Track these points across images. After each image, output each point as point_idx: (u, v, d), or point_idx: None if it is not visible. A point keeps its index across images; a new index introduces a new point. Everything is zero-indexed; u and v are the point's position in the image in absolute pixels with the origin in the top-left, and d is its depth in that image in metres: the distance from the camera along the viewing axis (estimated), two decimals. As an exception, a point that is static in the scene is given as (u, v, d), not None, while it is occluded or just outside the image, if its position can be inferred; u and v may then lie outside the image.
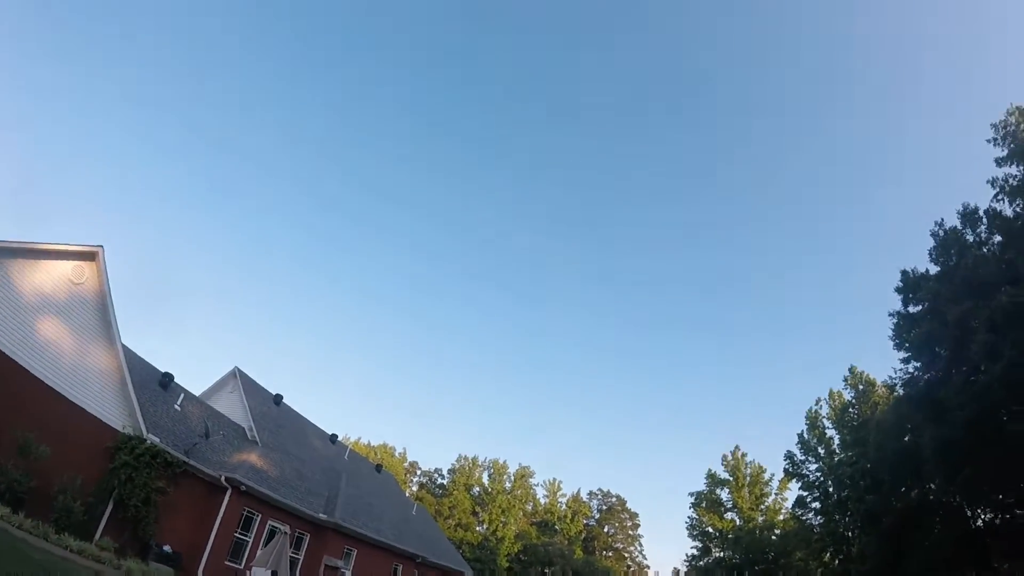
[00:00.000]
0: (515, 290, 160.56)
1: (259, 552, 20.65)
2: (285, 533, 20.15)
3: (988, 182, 24.01)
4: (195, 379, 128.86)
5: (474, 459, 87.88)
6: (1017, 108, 23.78)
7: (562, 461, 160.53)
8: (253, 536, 21.70)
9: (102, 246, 18.17)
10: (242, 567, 20.75)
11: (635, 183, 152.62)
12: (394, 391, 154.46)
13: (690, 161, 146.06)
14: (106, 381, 18.12)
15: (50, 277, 16.89)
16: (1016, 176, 23.36)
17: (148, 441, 18.22)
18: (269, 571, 18.29)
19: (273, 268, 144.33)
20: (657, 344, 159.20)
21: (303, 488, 25.80)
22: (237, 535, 21.15)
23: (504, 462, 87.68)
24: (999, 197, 23.69)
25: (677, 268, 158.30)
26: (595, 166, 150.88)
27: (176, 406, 22.46)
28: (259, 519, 22.05)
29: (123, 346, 18.63)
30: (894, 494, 28.67)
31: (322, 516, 24.98)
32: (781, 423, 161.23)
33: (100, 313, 18.16)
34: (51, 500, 15.41)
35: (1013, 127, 23.47)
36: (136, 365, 20.28)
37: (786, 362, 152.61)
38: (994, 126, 23.97)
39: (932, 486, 25.92)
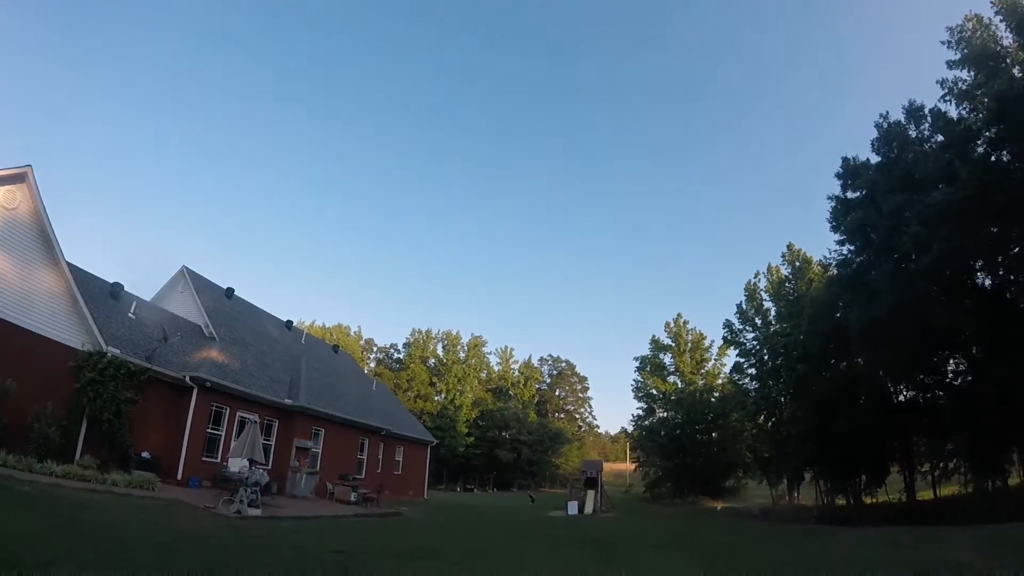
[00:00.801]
0: (464, 158, 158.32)
1: (233, 443, 21.60)
2: (255, 422, 21.01)
3: (938, 82, 24.30)
4: (143, 284, 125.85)
5: (428, 332, 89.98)
6: (976, 15, 23.72)
7: (513, 329, 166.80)
8: (224, 429, 22.57)
9: (30, 166, 17.32)
10: (219, 460, 21.73)
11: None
12: (344, 271, 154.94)
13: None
14: (57, 302, 17.89)
15: None
16: (966, 81, 23.64)
17: (109, 354, 18.30)
18: (245, 459, 19.20)
19: (205, 160, 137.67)
20: (606, 213, 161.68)
21: (266, 377, 26.50)
22: (209, 431, 21.97)
23: (457, 333, 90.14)
24: (947, 98, 24.08)
25: (632, 138, 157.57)
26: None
27: (130, 314, 22.30)
28: (228, 412, 22.84)
29: (68, 263, 18.21)
30: (824, 366, 30.91)
31: (287, 401, 25.91)
32: (721, 294, 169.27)
33: (39, 234, 17.62)
34: (27, 431, 15.63)
35: (969, 33, 23.46)
36: (83, 280, 19.91)
37: (728, 235, 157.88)
38: (950, 30, 23.89)
39: (859, 361, 27.99)
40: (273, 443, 25.21)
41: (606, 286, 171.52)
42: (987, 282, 25.16)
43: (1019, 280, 23.21)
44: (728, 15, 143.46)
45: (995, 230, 20.63)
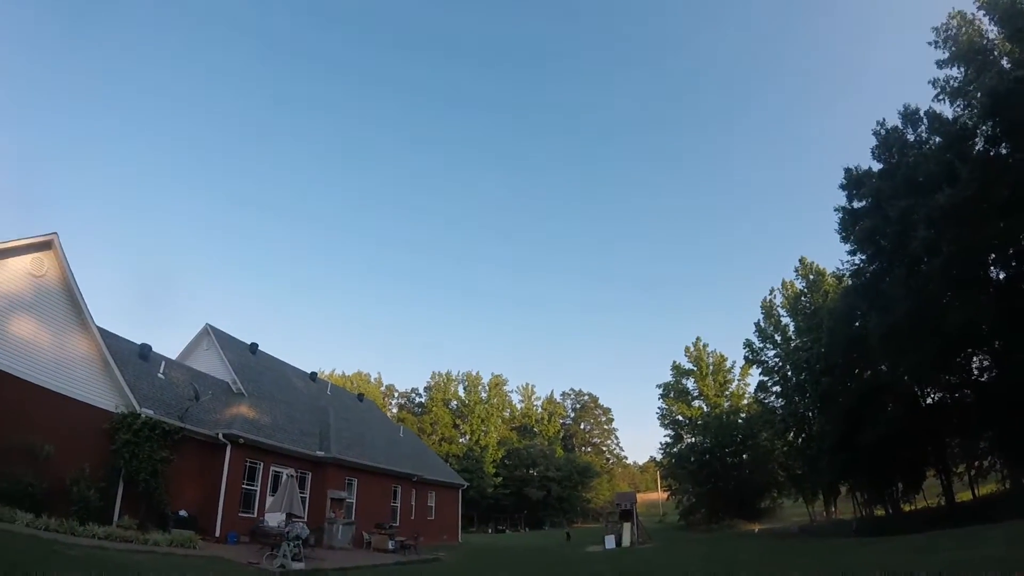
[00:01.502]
0: (475, 196, 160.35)
1: (269, 499, 21.87)
2: (292, 476, 21.30)
3: (929, 83, 24.88)
4: (167, 343, 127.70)
5: (448, 374, 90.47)
6: (959, 12, 24.31)
7: (533, 366, 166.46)
8: (259, 484, 22.82)
9: (56, 233, 17.83)
10: (255, 515, 21.97)
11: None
12: (360, 316, 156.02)
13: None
14: (89, 366, 18.31)
15: (10, 276, 16.65)
16: (956, 78, 24.16)
17: (143, 415, 18.62)
18: (283, 513, 19.43)
19: (217, 220, 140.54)
20: (617, 244, 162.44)
21: (296, 430, 26.82)
22: (244, 486, 22.22)
23: (477, 373, 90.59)
24: (940, 97, 24.60)
25: (647, 170, 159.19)
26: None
27: (160, 375, 22.79)
28: (262, 467, 23.11)
29: (97, 328, 18.67)
30: (848, 376, 30.81)
31: (319, 453, 26.15)
32: (738, 314, 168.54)
33: (68, 300, 18.07)
34: (66, 494, 15.91)
35: (954, 31, 24.03)
36: (112, 342, 20.30)
37: (743, 256, 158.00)
38: (935, 29, 24.53)
39: (883, 368, 27.93)
40: (307, 494, 25.38)
41: (624, 315, 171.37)
42: (1001, 275, 25.23)
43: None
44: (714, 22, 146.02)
45: (1002, 224, 20.78)
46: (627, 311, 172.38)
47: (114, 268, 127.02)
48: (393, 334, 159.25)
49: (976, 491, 30.59)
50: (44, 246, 17.63)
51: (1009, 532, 14.17)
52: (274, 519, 20.17)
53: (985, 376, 26.66)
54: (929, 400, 30.31)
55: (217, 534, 19.97)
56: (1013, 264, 23.81)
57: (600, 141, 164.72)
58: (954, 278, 21.67)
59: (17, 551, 10.54)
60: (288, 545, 16.40)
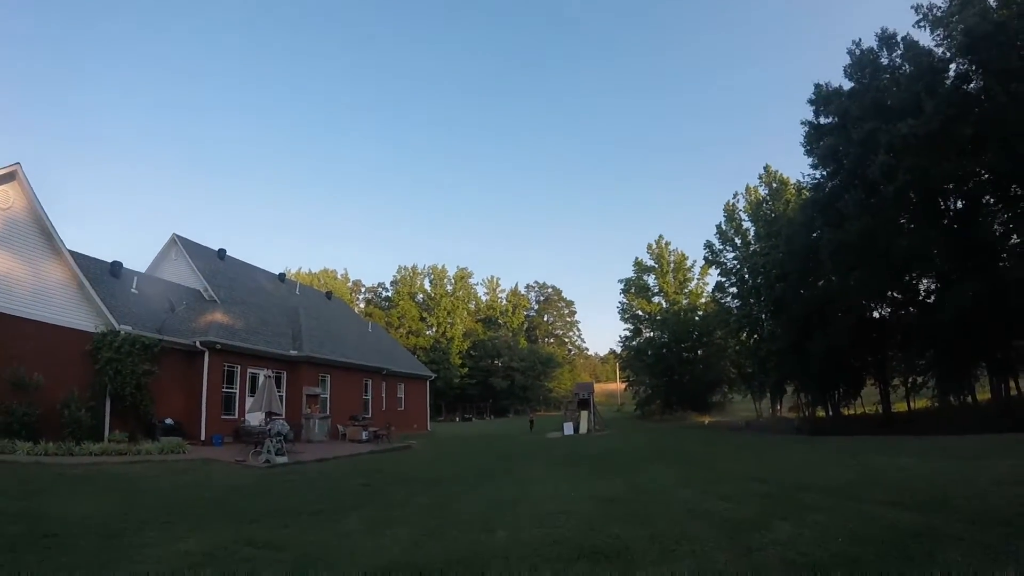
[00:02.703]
0: (441, 81, 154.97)
1: (249, 400, 22.90)
2: (268, 376, 22.19)
3: (912, 8, 24.52)
4: (134, 256, 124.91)
5: (414, 268, 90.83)
6: None
7: (499, 259, 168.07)
8: (238, 387, 23.81)
9: (19, 163, 17.65)
10: (237, 416, 23.07)
11: None
12: (325, 213, 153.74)
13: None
14: (65, 290, 18.59)
15: None
16: (940, 7, 23.90)
17: (122, 332, 19.14)
18: (263, 412, 20.50)
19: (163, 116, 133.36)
20: (586, 133, 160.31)
21: (269, 332, 27.53)
22: (224, 390, 23.17)
23: (443, 267, 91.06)
24: (921, 24, 24.39)
25: (609, 55, 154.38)
26: None
27: (133, 290, 23.10)
28: (239, 370, 24.00)
29: (69, 251, 18.77)
30: (801, 284, 32.11)
31: (293, 352, 27.08)
32: (701, 216, 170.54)
33: (38, 228, 18.11)
34: (58, 418, 16.66)
35: None
36: (84, 264, 20.40)
37: (708, 157, 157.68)
38: None
39: (833, 279, 29.27)
40: (284, 393, 26.48)
41: (589, 209, 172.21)
42: (959, 204, 26.18)
43: (988, 206, 24.22)
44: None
45: (960, 161, 21.46)
46: (592, 205, 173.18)
47: (74, 185, 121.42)
48: (358, 229, 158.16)
49: (911, 404, 32.83)
50: (7, 178, 17.46)
51: (926, 445, 16.07)
52: (255, 419, 21.25)
53: (932, 298, 28.02)
54: (876, 314, 31.91)
55: (203, 438, 21.08)
56: (965, 200, 24.71)
57: (567, 46, 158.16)
58: (908, 205, 22.59)
59: (26, 478, 11.37)
60: (271, 442, 17.44)
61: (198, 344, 22.03)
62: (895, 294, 29.18)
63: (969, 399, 28.39)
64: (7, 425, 15.25)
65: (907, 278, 27.08)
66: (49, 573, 5.34)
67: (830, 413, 36.67)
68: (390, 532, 7.61)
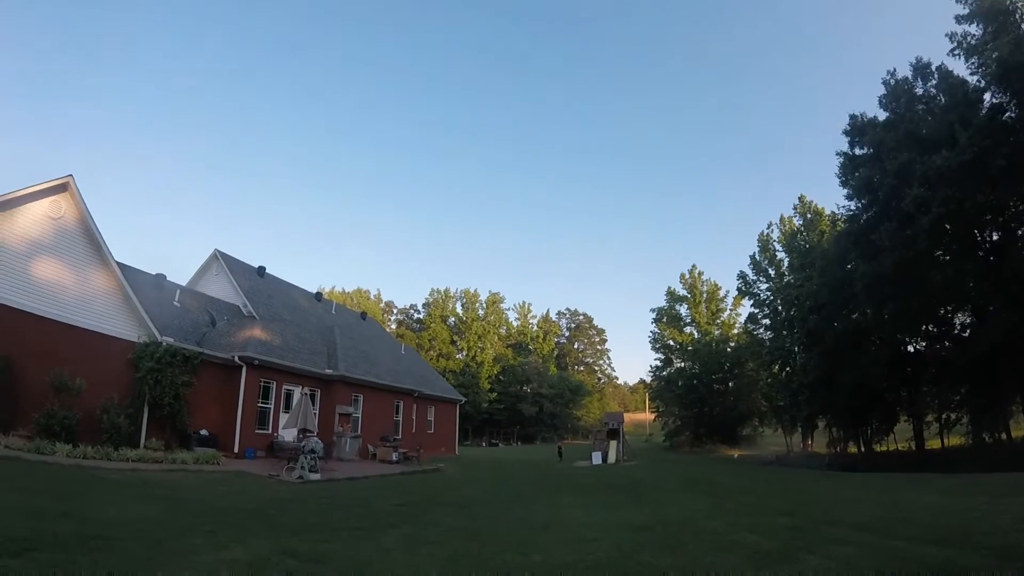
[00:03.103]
0: (471, 118, 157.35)
1: (283, 416, 23.45)
2: (306, 394, 22.78)
3: (947, 36, 24.62)
4: (175, 270, 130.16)
5: (446, 291, 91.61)
6: None
7: (531, 284, 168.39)
8: (273, 402, 24.32)
9: (71, 175, 18.39)
10: (270, 431, 23.58)
11: None
12: (360, 233, 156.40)
13: None
14: (111, 300, 19.33)
15: (31, 220, 17.36)
16: (974, 35, 23.91)
17: (164, 343, 19.81)
18: (297, 429, 20.95)
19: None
20: (622, 161, 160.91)
21: (305, 350, 28.13)
22: (259, 405, 23.70)
23: (475, 291, 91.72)
24: (955, 52, 24.45)
25: (647, 88, 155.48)
26: None
27: (175, 303, 23.94)
28: (275, 386, 24.54)
29: (116, 263, 19.50)
30: (835, 317, 31.76)
31: (328, 371, 27.58)
32: (735, 247, 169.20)
33: (87, 239, 18.83)
34: (98, 423, 17.27)
35: None
36: (128, 275, 21.01)
37: (744, 187, 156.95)
38: None
39: (868, 312, 28.98)
40: (317, 410, 26.90)
41: (623, 237, 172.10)
42: (994, 236, 25.84)
43: (1019, 240, 23.87)
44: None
45: (992, 194, 21.27)
46: (626, 233, 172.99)
47: (117, 199, 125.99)
48: (393, 251, 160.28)
49: (945, 441, 32.06)
50: (60, 188, 18.23)
51: (956, 483, 15.83)
52: (289, 434, 21.73)
53: (967, 332, 27.62)
54: (911, 348, 31.47)
55: (236, 450, 21.56)
56: (1000, 232, 24.40)
57: (605, 73, 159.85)
58: (943, 237, 22.36)
59: (68, 480, 11.88)
60: (305, 458, 17.82)
61: (236, 359, 22.64)
62: (930, 327, 28.74)
63: (1004, 436, 27.68)
64: (48, 427, 15.81)
65: (942, 312, 26.70)
66: (103, 574, 5.65)
67: (862, 449, 35.99)
68: (426, 551, 7.82)
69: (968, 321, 27.75)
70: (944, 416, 31.01)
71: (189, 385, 20.27)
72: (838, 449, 38.22)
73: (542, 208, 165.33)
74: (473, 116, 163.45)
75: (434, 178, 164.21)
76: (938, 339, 29.62)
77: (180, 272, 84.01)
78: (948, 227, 22.45)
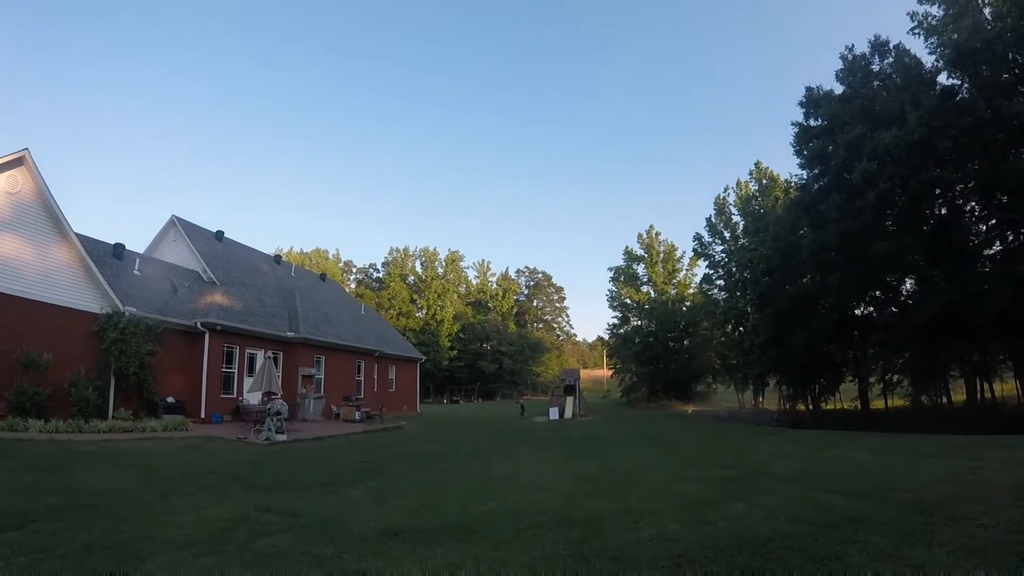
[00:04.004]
0: (433, 69, 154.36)
1: (247, 379, 23.74)
2: (269, 357, 23.05)
3: (908, 15, 25.22)
4: (132, 236, 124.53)
5: (406, 250, 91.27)
6: None
7: (490, 242, 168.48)
8: (237, 367, 24.53)
9: (27, 149, 18.06)
10: (235, 395, 23.87)
11: None
12: (316, 191, 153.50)
13: None
14: (72, 272, 19.15)
15: None
16: (936, 16, 24.57)
17: (127, 314, 19.79)
18: (261, 392, 21.34)
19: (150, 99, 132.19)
20: (580, 122, 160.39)
21: (266, 313, 28.22)
22: (223, 369, 23.89)
23: (434, 249, 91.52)
24: (916, 32, 25.15)
25: (608, 45, 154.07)
26: None
27: (135, 271, 23.75)
28: (238, 350, 24.72)
29: (76, 235, 19.24)
30: (786, 280, 32.89)
31: (290, 334, 27.77)
32: (692, 209, 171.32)
33: (46, 212, 18.57)
34: (66, 396, 17.35)
35: None
36: (88, 246, 20.74)
37: (701, 150, 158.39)
38: None
39: (815, 278, 30.25)
40: (280, 373, 27.17)
41: (581, 197, 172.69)
42: (943, 211, 27.03)
43: (973, 213, 25.08)
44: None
45: (938, 172, 22.30)
46: (585, 192, 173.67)
47: (70, 168, 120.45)
48: (350, 210, 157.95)
49: (889, 402, 33.90)
50: (16, 163, 17.87)
51: (888, 443, 17.24)
52: (254, 398, 22.07)
53: (911, 300, 28.91)
54: (858, 312, 32.90)
55: (203, 416, 21.84)
56: (946, 208, 25.61)
57: (558, 35, 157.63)
58: (891, 209, 23.44)
59: (46, 454, 12.15)
60: (271, 420, 18.28)
61: (199, 325, 22.71)
62: (876, 294, 30.08)
63: (944, 400, 29.42)
64: (19, 404, 15.92)
65: (889, 279, 27.90)
66: (106, 537, 6.15)
67: (810, 407, 37.74)
68: (392, 502, 8.57)
69: (913, 289, 29.04)
70: (888, 377, 32.68)
71: (153, 354, 20.29)
72: (787, 407, 40.08)
73: (501, 168, 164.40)
74: (430, 79, 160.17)
75: (392, 137, 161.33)
76: (884, 304, 30.97)
77: (137, 240, 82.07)
78: (897, 200, 23.47)
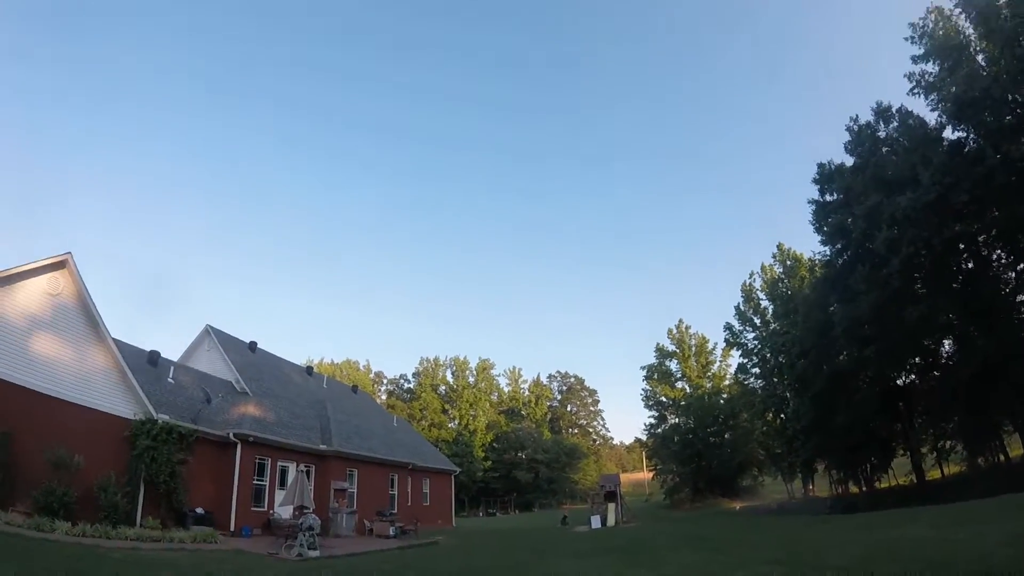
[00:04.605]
0: (454, 183, 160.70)
1: (279, 492, 23.20)
2: (301, 471, 22.58)
3: (905, 76, 25.85)
4: (166, 344, 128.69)
5: (436, 360, 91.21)
6: (937, 8, 25.28)
7: (520, 349, 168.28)
8: (268, 479, 24.05)
9: (70, 253, 18.74)
10: (266, 509, 23.26)
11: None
12: (347, 304, 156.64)
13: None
14: (107, 376, 19.34)
15: (29, 296, 17.58)
16: (932, 73, 25.18)
17: (160, 421, 19.72)
18: (292, 507, 20.72)
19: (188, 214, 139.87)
20: (603, 226, 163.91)
21: (299, 425, 28.00)
22: (255, 482, 23.44)
23: (465, 358, 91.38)
24: (915, 91, 25.68)
25: (628, 147, 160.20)
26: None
27: (169, 379, 23.97)
28: (270, 463, 24.33)
29: (113, 339, 19.59)
30: (822, 360, 32.09)
31: (322, 447, 27.39)
32: (720, 299, 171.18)
33: (85, 315, 19.00)
34: (95, 500, 17.10)
35: (931, 26, 25.04)
36: (124, 351, 20.97)
37: (724, 239, 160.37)
38: (912, 25, 25.47)
39: (852, 354, 29.51)
40: (312, 486, 26.56)
41: (609, 299, 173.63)
42: (969, 265, 26.59)
43: (999, 261, 24.66)
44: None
45: (958, 228, 22.16)
46: (612, 293, 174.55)
47: (106, 274, 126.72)
48: (381, 321, 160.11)
49: (944, 470, 32.30)
50: (59, 265, 18.53)
51: (945, 513, 16.09)
52: (286, 511, 21.47)
53: (951, 361, 28.03)
54: (900, 382, 31.86)
55: (232, 528, 21.21)
56: (974, 261, 25.26)
57: (593, 130, 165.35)
58: (915, 275, 23.13)
59: (73, 557, 11.81)
60: (303, 535, 17.63)
61: (231, 436, 22.53)
62: (915, 360, 29.20)
63: (1001, 458, 27.82)
64: (47, 504, 15.65)
65: (926, 343, 27.14)
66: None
67: (863, 488, 35.89)
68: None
69: (952, 350, 28.21)
70: (940, 445, 31.23)
71: (184, 463, 20.10)
72: (839, 491, 38.13)
73: (529, 273, 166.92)
74: (460, 185, 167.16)
75: (420, 248, 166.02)
76: (925, 370, 30.03)
77: (171, 348, 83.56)
78: (921, 263, 23.18)
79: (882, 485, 35.89)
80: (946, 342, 28.85)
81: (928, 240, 21.67)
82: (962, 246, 25.08)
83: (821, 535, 17.14)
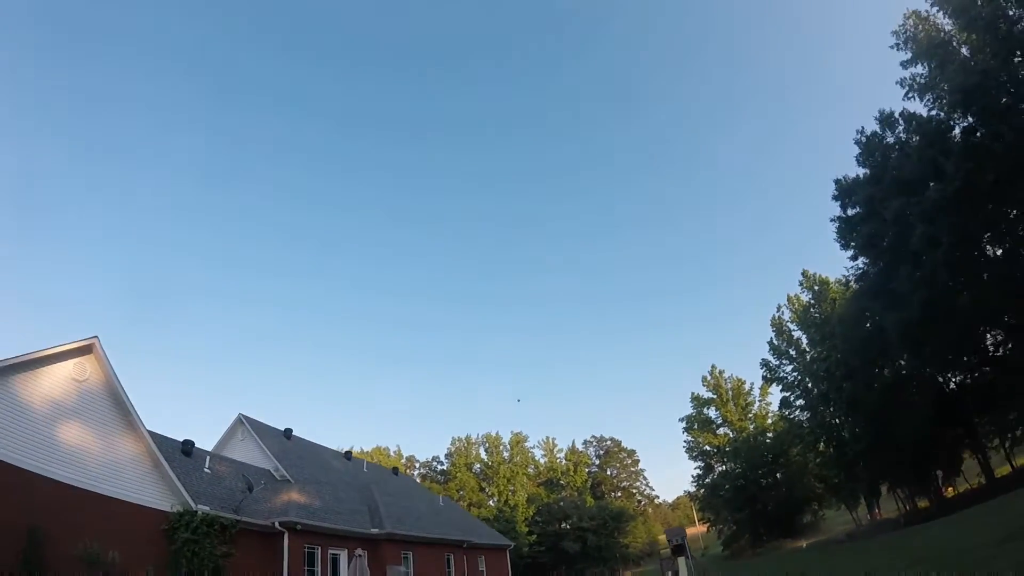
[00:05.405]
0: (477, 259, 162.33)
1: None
2: (359, 555, 21.47)
3: (897, 83, 26.24)
4: (196, 434, 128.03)
5: (468, 438, 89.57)
6: (913, 12, 25.94)
7: (553, 418, 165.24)
8: (319, 569, 22.89)
9: (96, 336, 18.03)
10: (320, 600, 22.05)
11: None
12: (375, 393, 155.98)
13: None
14: (140, 467, 18.40)
15: (54, 382, 16.81)
16: (922, 75, 25.54)
17: (199, 512, 18.68)
18: (353, 593, 19.60)
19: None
20: (618, 283, 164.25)
21: (346, 510, 26.93)
22: (306, 571, 22.33)
23: (497, 433, 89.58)
24: (910, 95, 25.93)
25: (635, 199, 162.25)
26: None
27: (206, 469, 23.09)
28: (319, 551, 23.15)
29: (145, 428, 18.77)
30: (870, 377, 31.27)
31: (374, 531, 26.22)
32: (749, 338, 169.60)
33: (113, 402, 18.19)
34: None
35: (912, 31, 25.61)
36: (157, 440, 19.97)
37: (746, 279, 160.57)
38: (895, 33, 26.10)
39: (902, 362, 28.58)
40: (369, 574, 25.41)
41: (638, 355, 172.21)
42: (998, 251, 26.14)
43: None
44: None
45: (990, 207, 21.79)
46: (640, 350, 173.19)
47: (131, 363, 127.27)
48: (408, 405, 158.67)
49: (1014, 462, 30.98)
50: (85, 350, 17.74)
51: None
52: (350, 600, 20.30)
53: (1001, 351, 27.35)
54: (952, 384, 30.90)
55: (286, 622, 20.04)
56: (1008, 240, 24.75)
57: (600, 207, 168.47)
58: (957, 264, 22.61)
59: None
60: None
61: (277, 525, 21.50)
62: (968, 358, 28.25)
63: None
64: None
65: (983, 330, 26.40)
66: None
67: (932, 499, 34.40)
68: None
69: (1000, 339, 27.47)
70: (1010, 436, 29.88)
71: (228, 556, 19.02)
72: (908, 507, 36.36)
73: (554, 341, 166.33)
74: (474, 255, 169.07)
75: (437, 331, 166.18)
76: (977, 367, 29.08)
77: (203, 437, 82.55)
78: (958, 257, 22.72)
79: (951, 493, 34.51)
80: (997, 334, 28.02)
81: (965, 225, 21.30)
82: (1002, 228, 24.60)
83: (885, 552, 15.99)
